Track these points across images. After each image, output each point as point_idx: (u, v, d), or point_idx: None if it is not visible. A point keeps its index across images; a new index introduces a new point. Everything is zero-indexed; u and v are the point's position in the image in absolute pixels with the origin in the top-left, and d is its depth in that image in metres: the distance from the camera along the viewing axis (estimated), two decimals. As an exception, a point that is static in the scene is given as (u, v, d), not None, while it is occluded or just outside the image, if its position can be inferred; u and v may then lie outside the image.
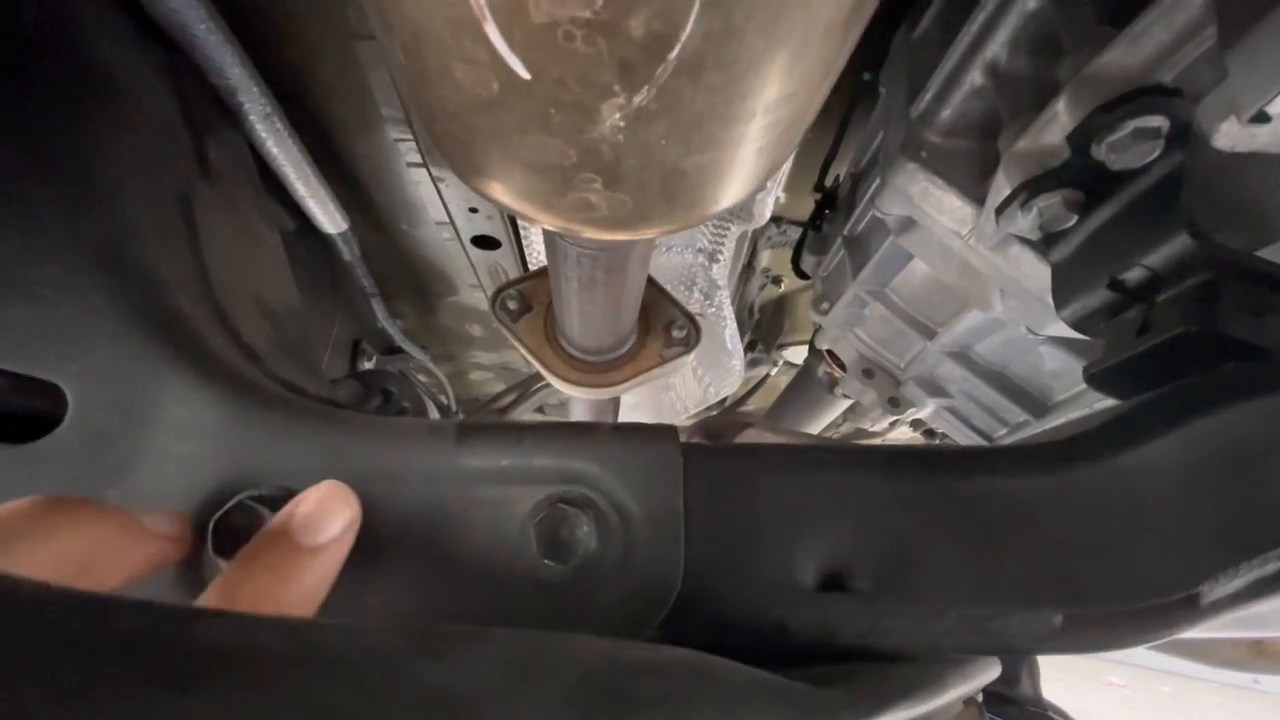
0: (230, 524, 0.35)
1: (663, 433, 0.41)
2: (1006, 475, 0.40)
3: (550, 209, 0.37)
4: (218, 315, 0.45)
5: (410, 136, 0.95)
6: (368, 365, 1.48)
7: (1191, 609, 0.38)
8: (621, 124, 0.28)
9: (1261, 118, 0.34)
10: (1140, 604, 0.37)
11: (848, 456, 0.42)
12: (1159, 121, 0.48)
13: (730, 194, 0.38)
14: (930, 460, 0.42)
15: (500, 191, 0.37)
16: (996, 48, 0.64)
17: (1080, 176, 0.55)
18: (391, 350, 1.59)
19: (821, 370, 1.47)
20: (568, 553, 0.36)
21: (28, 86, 0.43)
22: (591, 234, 0.39)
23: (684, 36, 0.24)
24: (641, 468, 0.39)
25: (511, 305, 0.87)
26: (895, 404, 1.22)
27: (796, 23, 0.25)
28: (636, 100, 0.27)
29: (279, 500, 0.36)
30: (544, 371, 0.88)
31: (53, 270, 0.38)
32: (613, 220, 0.37)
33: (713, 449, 0.42)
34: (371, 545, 0.36)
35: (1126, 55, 0.49)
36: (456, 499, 0.38)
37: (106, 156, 0.44)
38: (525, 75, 0.26)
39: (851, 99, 1.08)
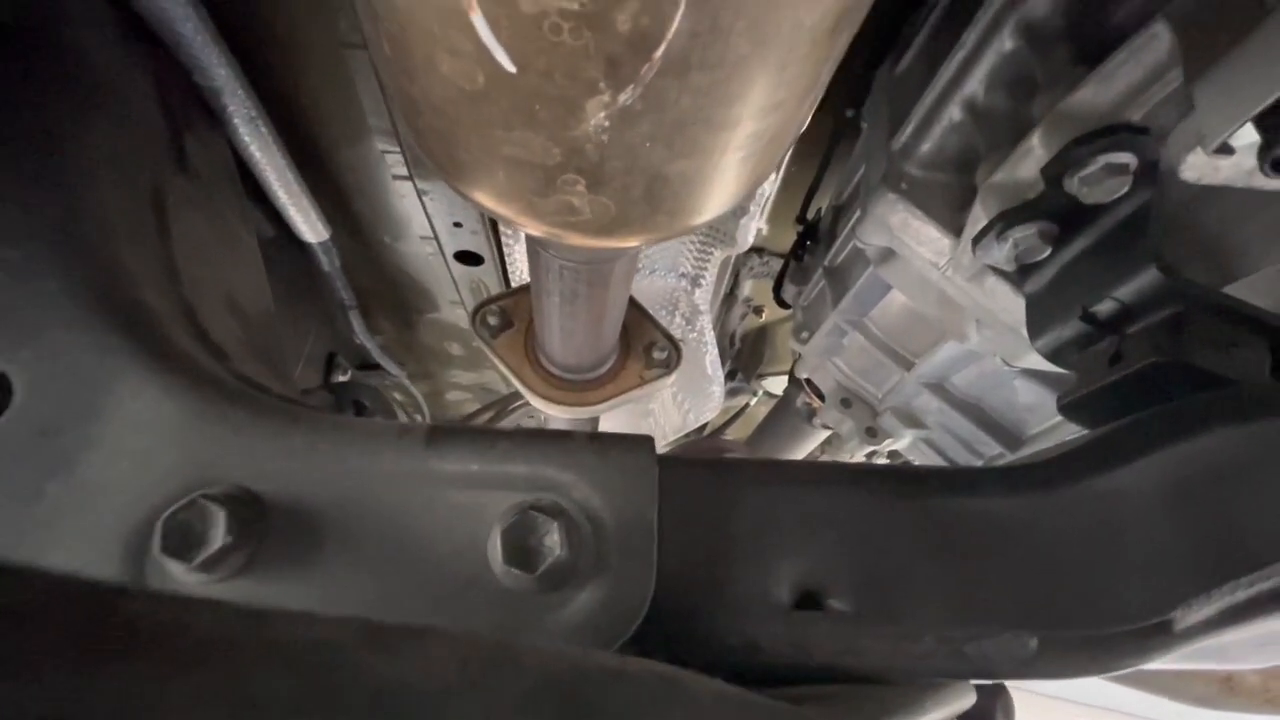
0: (181, 522, 0.33)
1: (639, 442, 0.40)
2: (984, 496, 0.40)
3: (533, 212, 0.36)
4: (183, 309, 0.44)
5: (397, 148, 0.95)
6: (342, 380, 1.45)
7: (1165, 635, 0.38)
8: (606, 123, 0.28)
9: (1226, 149, 0.35)
10: (1115, 628, 0.37)
11: (827, 473, 0.41)
12: (1128, 158, 0.50)
13: (713, 205, 0.38)
14: (909, 479, 0.42)
15: (482, 192, 0.36)
16: (974, 85, 0.66)
17: (1054, 209, 0.56)
18: (367, 366, 1.56)
19: (800, 400, 1.48)
20: (535, 561, 0.34)
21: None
22: (574, 240, 0.39)
23: (670, 33, 0.24)
24: (616, 476, 0.38)
25: (492, 321, 0.86)
26: (873, 434, 1.23)
27: (782, 26, 0.25)
28: (622, 98, 0.27)
29: (235, 500, 0.34)
30: (523, 389, 0.87)
31: (8, 254, 0.37)
32: (595, 225, 0.36)
33: (690, 461, 0.41)
34: (332, 548, 0.35)
35: (1098, 94, 0.51)
36: (423, 503, 0.36)
37: (76, 143, 0.43)
38: (511, 68, 0.26)
39: (834, 134, 1.11)
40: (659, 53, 0.25)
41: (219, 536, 0.33)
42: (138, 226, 0.45)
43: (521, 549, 0.35)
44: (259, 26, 0.76)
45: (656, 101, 0.27)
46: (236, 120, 0.72)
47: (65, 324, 0.37)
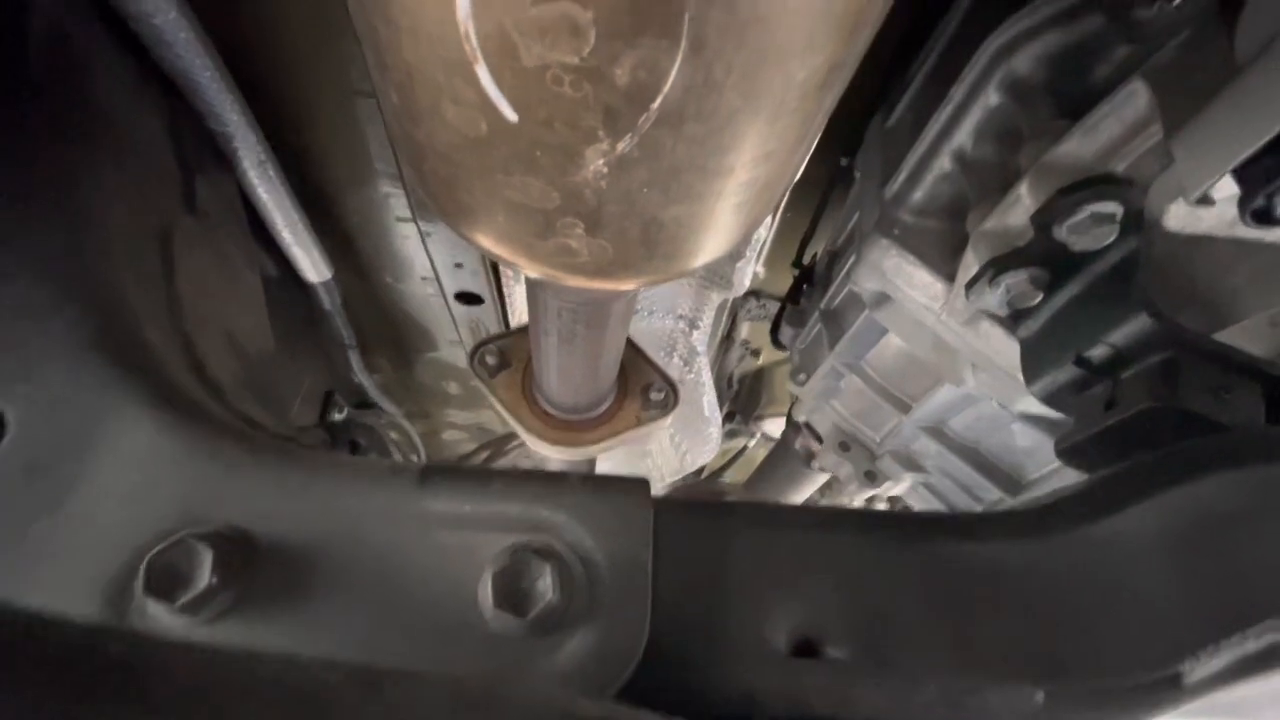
0: (165, 562, 0.32)
1: (634, 484, 0.39)
2: (982, 541, 0.40)
3: (532, 253, 0.37)
4: (184, 346, 0.44)
5: (401, 191, 0.97)
6: (338, 418, 1.45)
7: (1175, 688, 0.36)
8: (604, 169, 0.29)
9: (1206, 200, 0.36)
10: (1122, 681, 0.36)
11: (824, 518, 0.41)
12: (1113, 207, 0.51)
13: (708, 249, 0.39)
14: (906, 524, 0.41)
15: (483, 234, 0.37)
16: (963, 137, 0.68)
17: (1044, 256, 0.57)
18: (364, 404, 1.56)
19: (798, 443, 1.47)
20: (526, 605, 0.34)
21: (21, 113, 0.44)
22: (572, 281, 0.39)
23: (666, 87, 0.25)
24: (610, 518, 0.37)
25: (490, 360, 0.86)
26: (872, 478, 1.21)
27: (774, 82, 0.26)
28: (620, 146, 0.28)
29: (224, 538, 0.34)
30: (519, 429, 0.87)
31: (13, 289, 0.37)
32: (593, 267, 0.37)
33: (685, 503, 0.40)
34: (322, 588, 0.34)
35: (1082, 146, 0.53)
36: (414, 543, 0.36)
37: (88, 184, 0.44)
38: (512, 116, 0.27)
39: (829, 182, 1.14)
40: (655, 104, 0.26)
41: (204, 577, 0.32)
42: (144, 264, 0.46)
43: (513, 592, 0.34)
44: (273, 75, 0.79)
45: (653, 150, 0.28)
46: (246, 164, 0.74)
47: (64, 360, 0.37)
